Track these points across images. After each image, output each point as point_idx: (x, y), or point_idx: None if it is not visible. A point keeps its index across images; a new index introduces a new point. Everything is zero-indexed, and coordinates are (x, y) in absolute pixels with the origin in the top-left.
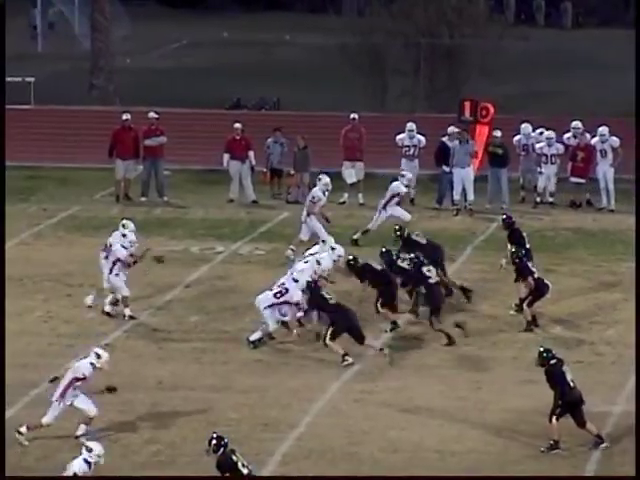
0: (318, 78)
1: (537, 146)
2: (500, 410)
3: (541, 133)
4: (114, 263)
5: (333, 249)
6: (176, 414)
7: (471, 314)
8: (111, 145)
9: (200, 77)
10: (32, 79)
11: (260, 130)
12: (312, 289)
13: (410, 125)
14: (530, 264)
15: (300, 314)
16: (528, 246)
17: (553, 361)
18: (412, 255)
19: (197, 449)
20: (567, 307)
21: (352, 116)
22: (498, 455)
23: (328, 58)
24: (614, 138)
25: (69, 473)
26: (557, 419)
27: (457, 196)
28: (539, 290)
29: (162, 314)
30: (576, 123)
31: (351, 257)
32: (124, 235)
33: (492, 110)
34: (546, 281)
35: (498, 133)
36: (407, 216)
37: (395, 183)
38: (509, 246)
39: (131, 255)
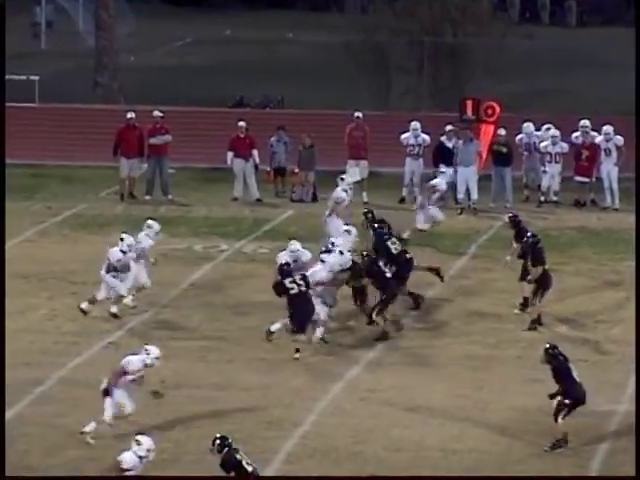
0: (322, 76)
1: (542, 145)
2: (504, 409)
3: (548, 129)
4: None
5: (342, 253)
6: (180, 412)
7: (475, 313)
8: (116, 143)
9: (204, 75)
10: (36, 77)
11: (264, 128)
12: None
13: (414, 124)
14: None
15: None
16: None
17: (559, 358)
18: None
19: (201, 447)
20: (572, 306)
21: (356, 114)
22: (501, 454)
23: (332, 56)
24: (618, 137)
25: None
26: (563, 418)
27: (461, 195)
28: (545, 282)
29: (166, 312)
30: (584, 122)
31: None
32: (147, 235)
33: (498, 109)
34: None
35: (503, 132)
36: (441, 216)
37: (436, 180)
38: (514, 244)
39: (119, 261)
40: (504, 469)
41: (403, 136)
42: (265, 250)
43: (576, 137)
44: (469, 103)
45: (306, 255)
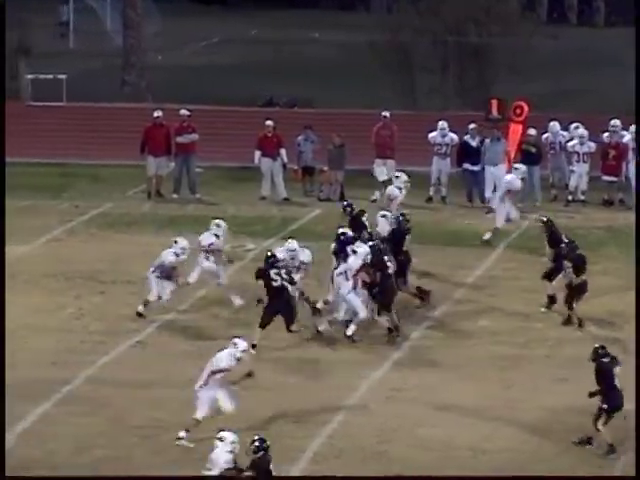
0: (347, 75)
1: (569, 144)
2: (532, 408)
3: (577, 128)
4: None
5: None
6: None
7: (502, 312)
8: (143, 142)
9: (230, 74)
10: (64, 76)
11: (292, 127)
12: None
13: (442, 124)
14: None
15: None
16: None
17: (606, 359)
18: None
19: None
20: (600, 305)
21: (384, 114)
22: (531, 454)
23: (357, 55)
24: None
25: (216, 468)
26: (604, 424)
27: (488, 194)
28: (584, 288)
29: (193, 311)
30: (615, 121)
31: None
32: (217, 235)
33: (526, 108)
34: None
35: (533, 131)
36: (515, 214)
37: (510, 177)
38: (548, 249)
39: (174, 268)
40: (533, 468)
41: (431, 135)
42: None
43: (607, 136)
44: (494, 103)
45: (305, 254)
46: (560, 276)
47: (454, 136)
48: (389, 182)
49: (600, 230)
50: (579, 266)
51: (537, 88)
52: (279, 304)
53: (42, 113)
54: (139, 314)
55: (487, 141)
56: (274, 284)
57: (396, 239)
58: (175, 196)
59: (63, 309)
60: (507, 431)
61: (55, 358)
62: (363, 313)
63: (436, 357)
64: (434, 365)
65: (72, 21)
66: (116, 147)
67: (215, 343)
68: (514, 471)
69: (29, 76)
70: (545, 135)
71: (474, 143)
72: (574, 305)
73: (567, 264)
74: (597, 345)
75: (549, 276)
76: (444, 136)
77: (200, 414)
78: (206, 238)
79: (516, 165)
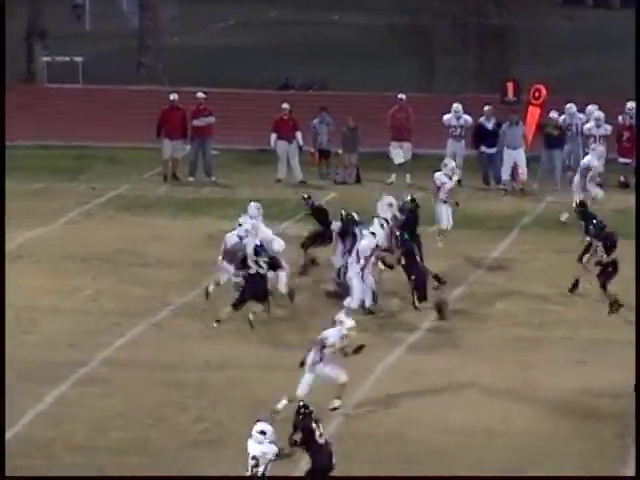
0: (366, 58)
1: (585, 127)
2: (551, 390)
3: (593, 110)
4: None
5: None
6: (223, 393)
7: (520, 294)
8: (159, 125)
9: (248, 57)
10: (80, 58)
11: (308, 110)
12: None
13: (456, 106)
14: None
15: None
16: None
17: None
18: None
19: (245, 428)
20: (618, 289)
21: (400, 96)
22: (548, 436)
23: (376, 38)
24: None
25: (265, 460)
26: None
27: (506, 177)
28: (616, 267)
29: (210, 293)
30: (630, 104)
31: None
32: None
33: (544, 92)
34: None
35: (555, 114)
36: (601, 193)
37: (588, 158)
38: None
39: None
40: (552, 451)
41: (445, 117)
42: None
43: (621, 119)
44: (510, 85)
45: (279, 243)
46: (589, 255)
47: (468, 118)
48: (404, 165)
49: (617, 213)
50: (609, 245)
51: (554, 71)
52: (254, 288)
53: (58, 95)
54: (207, 293)
55: (505, 125)
56: (249, 271)
57: (410, 223)
58: (191, 179)
59: (80, 291)
60: (525, 413)
61: (72, 340)
62: (355, 304)
63: (453, 340)
64: (451, 348)
65: (88, 3)
66: (132, 129)
67: (229, 325)
68: (531, 453)
69: (45, 59)
70: (562, 117)
71: (490, 125)
72: (607, 287)
73: (597, 243)
74: None
75: (581, 258)
76: (458, 118)
77: (301, 392)
78: (230, 239)
79: (592, 146)
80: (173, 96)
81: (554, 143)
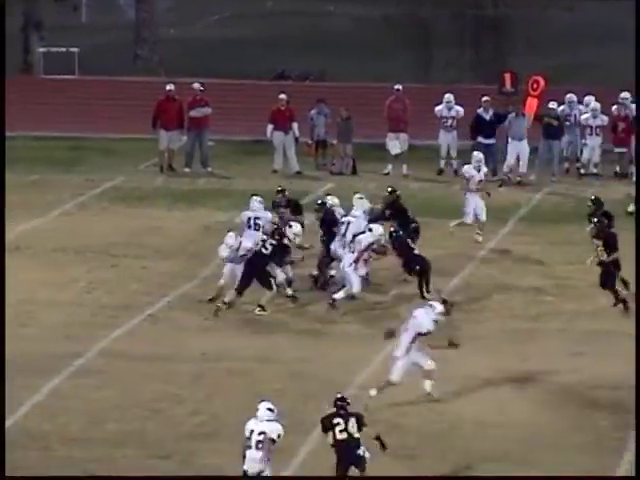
0: (362, 49)
1: (582, 117)
2: (548, 382)
3: (589, 101)
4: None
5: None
6: (220, 385)
7: (516, 286)
8: (155, 116)
9: (244, 48)
10: (76, 49)
11: (304, 101)
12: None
13: (448, 96)
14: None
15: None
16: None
17: None
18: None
19: (241, 420)
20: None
21: (396, 87)
22: (546, 428)
23: (373, 29)
24: None
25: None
26: None
27: (506, 168)
28: (618, 266)
29: (206, 285)
30: (624, 94)
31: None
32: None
33: (542, 83)
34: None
35: (554, 105)
36: None
37: None
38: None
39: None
40: (547, 442)
41: (437, 108)
42: (306, 222)
43: (616, 109)
44: (507, 76)
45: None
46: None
47: (460, 109)
48: (401, 156)
49: (614, 203)
50: (610, 244)
51: (552, 61)
52: (252, 270)
53: (54, 86)
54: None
55: (511, 116)
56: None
57: (396, 215)
58: (187, 170)
59: (75, 283)
60: (523, 404)
61: (67, 332)
62: (356, 288)
63: (450, 331)
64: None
65: None
66: (128, 121)
67: (226, 317)
68: (529, 444)
69: (41, 49)
70: (561, 107)
71: (487, 116)
72: (616, 285)
73: (597, 242)
74: None
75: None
76: (450, 109)
77: (395, 377)
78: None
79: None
80: (169, 87)
81: (553, 133)
